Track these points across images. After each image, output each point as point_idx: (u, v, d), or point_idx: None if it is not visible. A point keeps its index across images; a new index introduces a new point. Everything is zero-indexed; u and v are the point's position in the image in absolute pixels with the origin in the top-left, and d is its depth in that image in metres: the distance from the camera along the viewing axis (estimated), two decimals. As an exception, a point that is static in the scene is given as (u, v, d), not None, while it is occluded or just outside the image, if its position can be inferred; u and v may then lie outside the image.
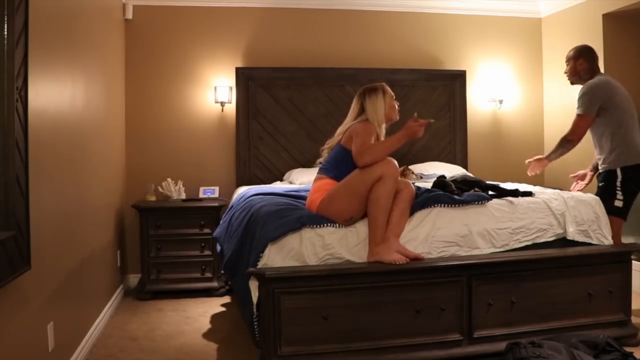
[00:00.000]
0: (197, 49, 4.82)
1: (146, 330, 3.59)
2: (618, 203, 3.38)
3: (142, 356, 3.14)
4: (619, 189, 3.39)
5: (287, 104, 4.85)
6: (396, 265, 2.75)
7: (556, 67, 5.11)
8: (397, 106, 3.17)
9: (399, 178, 2.99)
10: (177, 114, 4.81)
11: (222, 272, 4.18)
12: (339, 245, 2.84)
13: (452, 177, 3.58)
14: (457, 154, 5.11)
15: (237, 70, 4.78)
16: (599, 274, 3.12)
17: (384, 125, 3.11)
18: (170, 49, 4.78)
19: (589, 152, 3.71)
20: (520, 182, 4.21)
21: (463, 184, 3.35)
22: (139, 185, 4.65)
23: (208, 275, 4.43)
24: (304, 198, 3.21)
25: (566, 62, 3.64)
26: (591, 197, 3.34)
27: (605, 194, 3.41)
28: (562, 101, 5.05)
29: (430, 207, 3.00)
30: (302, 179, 4.31)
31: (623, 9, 4.36)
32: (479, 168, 5.12)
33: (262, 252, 2.74)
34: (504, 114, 5.31)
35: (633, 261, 3.26)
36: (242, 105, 4.76)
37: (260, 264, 2.73)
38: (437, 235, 2.97)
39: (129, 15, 4.65)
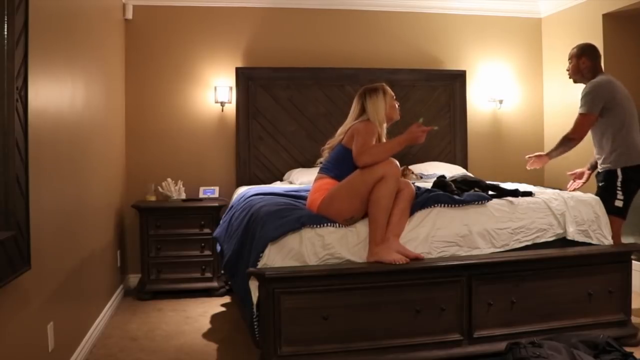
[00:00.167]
0: (197, 49, 4.82)
1: (146, 330, 3.59)
2: (618, 203, 3.38)
3: (142, 356, 3.14)
4: (619, 189, 3.39)
5: (287, 104, 4.85)
6: (396, 265, 2.75)
7: (556, 67, 5.11)
8: (397, 106, 3.17)
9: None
10: (177, 114, 4.81)
11: (222, 272, 4.18)
12: (339, 245, 2.84)
13: (452, 177, 3.58)
14: (457, 154, 5.11)
15: (237, 70, 4.78)
16: (599, 274, 3.12)
17: (385, 125, 3.12)
18: (170, 49, 4.78)
19: (589, 151, 3.71)
20: (520, 182, 4.22)
21: (463, 184, 3.35)
22: (139, 185, 4.65)
23: (208, 275, 4.43)
24: (304, 198, 3.21)
25: (569, 59, 3.62)
26: (591, 197, 3.34)
27: (605, 193, 3.41)
28: (562, 101, 5.05)
29: (430, 207, 3.00)
30: (302, 179, 4.31)
31: (623, 9, 4.36)
32: (479, 168, 5.12)
33: (262, 252, 2.74)
34: (504, 114, 5.31)
35: (633, 261, 3.26)
36: (242, 105, 4.76)
37: (260, 264, 2.73)
38: (437, 235, 2.97)
39: (129, 15, 4.65)
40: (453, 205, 3.02)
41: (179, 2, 4.77)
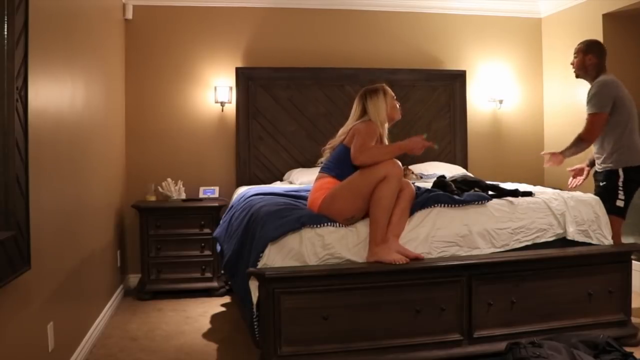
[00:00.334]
0: (197, 49, 4.82)
1: (146, 330, 3.59)
2: (620, 203, 3.38)
3: (142, 356, 3.14)
4: (620, 188, 3.39)
5: (287, 104, 4.85)
6: (396, 265, 2.75)
7: (556, 67, 5.11)
8: (398, 105, 3.18)
9: (400, 178, 3.00)
10: (177, 114, 4.81)
11: (222, 272, 4.18)
12: (339, 245, 2.84)
13: (452, 177, 3.58)
14: (457, 154, 5.11)
15: (237, 70, 4.78)
16: (599, 274, 3.12)
17: (386, 125, 3.13)
18: (170, 49, 4.78)
19: (588, 149, 3.70)
20: (520, 182, 4.22)
21: (463, 184, 3.35)
22: (139, 185, 4.65)
23: (208, 275, 4.43)
24: (304, 198, 3.22)
25: (574, 53, 3.57)
26: (591, 197, 3.34)
27: (606, 193, 3.40)
28: (562, 101, 5.05)
29: (430, 207, 3.00)
30: (302, 179, 4.31)
31: (623, 9, 4.36)
32: (479, 168, 5.12)
33: (262, 252, 2.74)
34: (504, 114, 5.31)
35: (633, 261, 3.26)
36: (242, 105, 4.76)
37: (260, 264, 2.73)
38: (437, 235, 2.97)
39: (129, 15, 4.65)
40: (453, 205, 3.02)
41: (179, 2, 4.77)
